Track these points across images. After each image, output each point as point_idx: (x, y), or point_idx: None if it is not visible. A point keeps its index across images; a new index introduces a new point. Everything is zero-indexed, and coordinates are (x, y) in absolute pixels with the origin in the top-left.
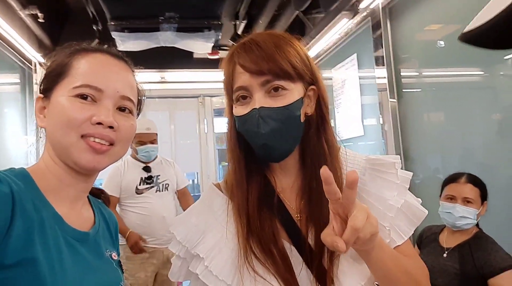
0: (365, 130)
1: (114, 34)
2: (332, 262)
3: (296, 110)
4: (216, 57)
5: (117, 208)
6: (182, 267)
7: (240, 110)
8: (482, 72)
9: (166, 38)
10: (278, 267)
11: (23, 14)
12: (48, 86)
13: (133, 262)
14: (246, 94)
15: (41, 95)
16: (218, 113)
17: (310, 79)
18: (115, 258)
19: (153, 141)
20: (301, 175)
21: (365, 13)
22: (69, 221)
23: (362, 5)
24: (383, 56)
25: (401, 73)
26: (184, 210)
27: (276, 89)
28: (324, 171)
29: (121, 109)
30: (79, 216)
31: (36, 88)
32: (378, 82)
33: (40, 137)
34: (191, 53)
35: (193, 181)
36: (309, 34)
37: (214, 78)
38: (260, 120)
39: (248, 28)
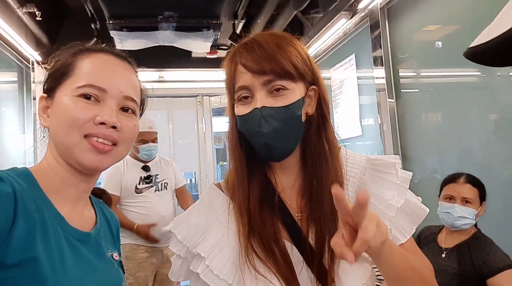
0: (363, 130)
1: (112, 33)
2: (333, 262)
3: (297, 110)
4: (214, 56)
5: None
6: (182, 266)
7: (241, 110)
8: (479, 73)
9: (165, 37)
10: (279, 266)
11: (21, 12)
12: (52, 85)
13: (132, 261)
14: (247, 94)
15: (45, 95)
16: (217, 112)
17: (311, 79)
18: (116, 258)
19: (154, 140)
20: (301, 174)
21: (363, 13)
22: (71, 221)
23: (360, 5)
24: (381, 56)
25: (399, 74)
26: (182, 209)
27: (277, 89)
28: (336, 190)
29: (124, 109)
30: (81, 216)
31: (34, 86)
32: (377, 82)
33: (44, 137)
34: (189, 52)
35: (191, 180)
36: (308, 34)
37: (213, 77)
38: (261, 120)
39: (246, 28)
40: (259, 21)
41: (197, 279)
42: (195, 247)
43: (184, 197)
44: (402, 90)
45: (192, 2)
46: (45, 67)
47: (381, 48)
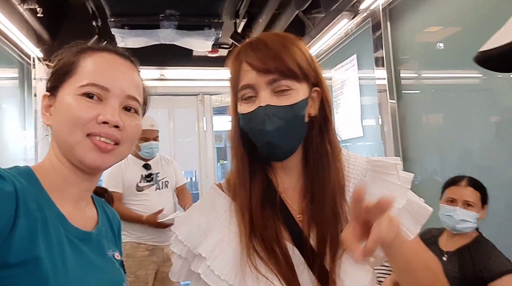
0: (364, 131)
1: (114, 31)
2: (334, 263)
3: (301, 110)
4: (215, 55)
5: None
6: (183, 267)
7: (245, 108)
8: (480, 75)
9: (166, 35)
10: (281, 267)
11: (22, 8)
12: (55, 84)
13: (133, 259)
14: (251, 93)
15: (48, 93)
16: (217, 111)
17: (314, 80)
18: (118, 258)
19: (156, 138)
20: (303, 175)
21: (365, 14)
22: (72, 221)
23: (362, 6)
24: (383, 57)
25: (401, 75)
26: (182, 207)
27: (282, 89)
28: (359, 189)
29: (127, 108)
30: (82, 215)
31: (34, 83)
32: (378, 83)
33: (46, 135)
34: (190, 51)
35: (191, 179)
36: (309, 34)
37: (214, 76)
38: (265, 118)
39: (248, 27)
40: (260, 20)
41: (198, 279)
42: (196, 248)
43: (184, 195)
44: (403, 91)
45: (194, 1)
46: (46, 64)
47: (382, 49)
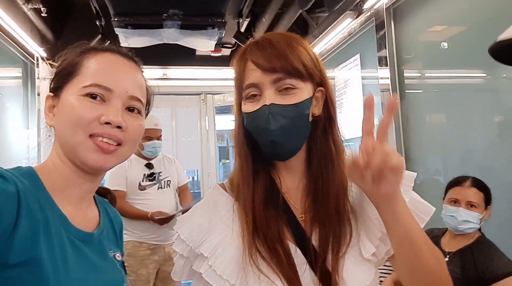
0: None
1: (117, 30)
2: (337, 263)
3: (305, 109)
4: (218, 54)
5: None
6: (185, 266)
7: (249, 107)
8: (485, 74)
9: (169, 35)
10: (283, 267)
11: (26, 8)
12: (58, 84)
13: (134, 258)
14: (256, 92)
15: (51, 94)
16: (220, 110)
17: (319, 80)
18: (119, 258)
19: (159, 138)
20: (306, 175)
21: (369, 13)
22: (74, 221)
23: (366, 5)
24: (386, 57)
25: (404, 74)
26: (182, 207)
27: (286, 88)
28: (370, 97)
29: (130, 109)
30: (84, 216)
31: (38, 82)
32: (381, 83)
33: (49, 136)
34: (193, 50)
35: (193, 178)
36: (313, 33)
37: (217, 75)
38: (270, 117)
39: (251, 27)
40: (264, 20)
41: (199, 279)
42: (198, 247)
43: (185, 195)
44: (406, 91)
45: (197, 0)
46: (50, 64)
47: (386, 48)
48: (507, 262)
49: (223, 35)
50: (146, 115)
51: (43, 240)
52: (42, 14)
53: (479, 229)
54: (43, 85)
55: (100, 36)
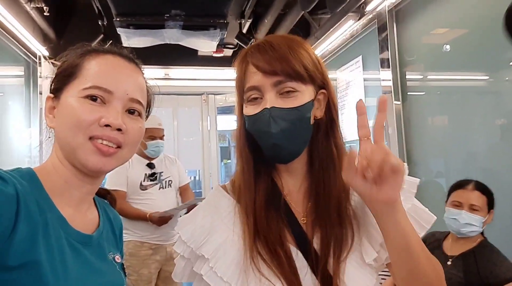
0: None
1: (119, 30)
2: (338, 267)
3: (306, 112)
4: (220, 55)
5: None
6: (186, 267)
7: (250, 110)
8: (487, 77)
9: (172, 35)
10: (284, 269)
11: (29, 7)
12: (58, 86)
13: (136, 258)
14: (257, 95)
15: (51, 95)
16: (222, 111)
17: (321, 83)
18: (118, 260)
19: (162, 137)
20: (308, 178)
21: (371, 15)
22: (73, 224)
23: (368, 7)
24: (388, 59)
25: (406, 76)
26: None
27: (287, 91)
28: (359, 103)
29: (130, 111)
30: (83, 218)
31: (40, 81)
32: (383, 85)
33: (49, 137)
34: (195, 50)
35: (194, 178)
36: (315, 35)
37: (218, 76)
38: (271, 120)
39: (253, 27)
40: (266, 21)
41: (200, 280)
42: (199, 248)
43: (186, 195)
44: (408, 93)
45: (200, 1)
46: (52, 62)
47: (388, 50)
48: (510, 267)
49: (225, 36)
50: (147, 117)
51: (42, 242)
52: (45, 13)
53: (482, 233)
54: (45, 84)
55: (102, 36)
